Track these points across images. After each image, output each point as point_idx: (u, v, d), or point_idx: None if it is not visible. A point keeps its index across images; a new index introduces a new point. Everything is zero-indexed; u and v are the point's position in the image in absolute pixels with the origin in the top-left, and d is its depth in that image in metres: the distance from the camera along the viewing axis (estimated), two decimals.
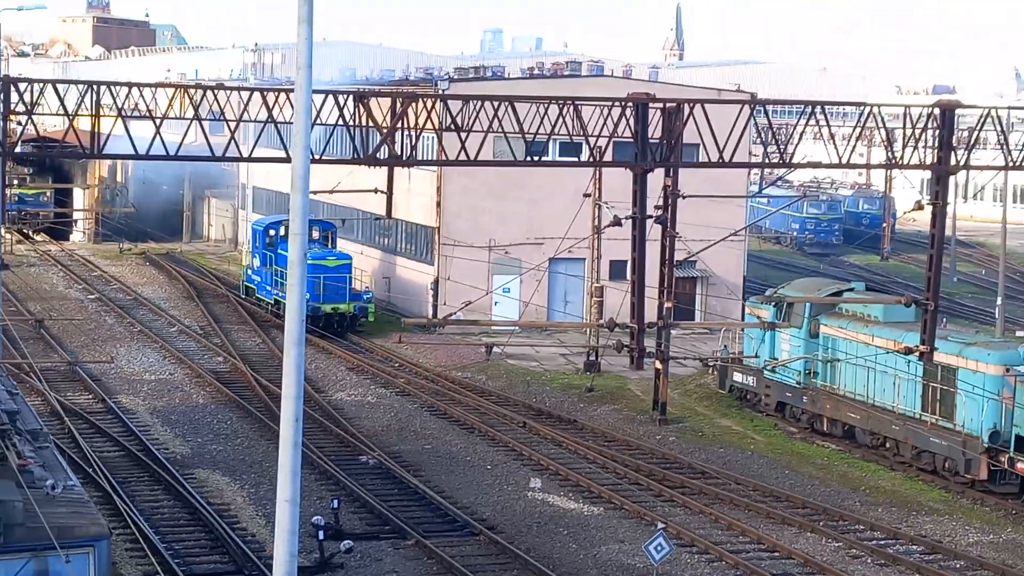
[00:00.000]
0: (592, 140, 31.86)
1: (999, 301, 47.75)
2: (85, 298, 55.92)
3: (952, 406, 32.17)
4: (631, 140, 31.94)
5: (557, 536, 27.66)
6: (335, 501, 27.53)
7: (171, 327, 50.00)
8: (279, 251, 49.62)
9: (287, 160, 26.80)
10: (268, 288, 51.08)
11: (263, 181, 68.11)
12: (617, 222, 36.17)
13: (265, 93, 30.31)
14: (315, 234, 50.66)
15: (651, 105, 31.84)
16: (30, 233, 74.42)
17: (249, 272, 53.90)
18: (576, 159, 40.16)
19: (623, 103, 31.60)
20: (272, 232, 51.63)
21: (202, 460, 32.69)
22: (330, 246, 51.25)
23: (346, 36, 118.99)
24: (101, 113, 29.20)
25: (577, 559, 26.27)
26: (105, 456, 31.92)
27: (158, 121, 29.24)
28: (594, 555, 26.52)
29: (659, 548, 24.88)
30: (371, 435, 35.15)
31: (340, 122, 29.63)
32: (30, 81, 29.94)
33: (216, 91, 31.45)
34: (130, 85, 31.12)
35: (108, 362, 42.42)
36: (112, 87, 29.92)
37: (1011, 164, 33.86)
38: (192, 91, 30.98)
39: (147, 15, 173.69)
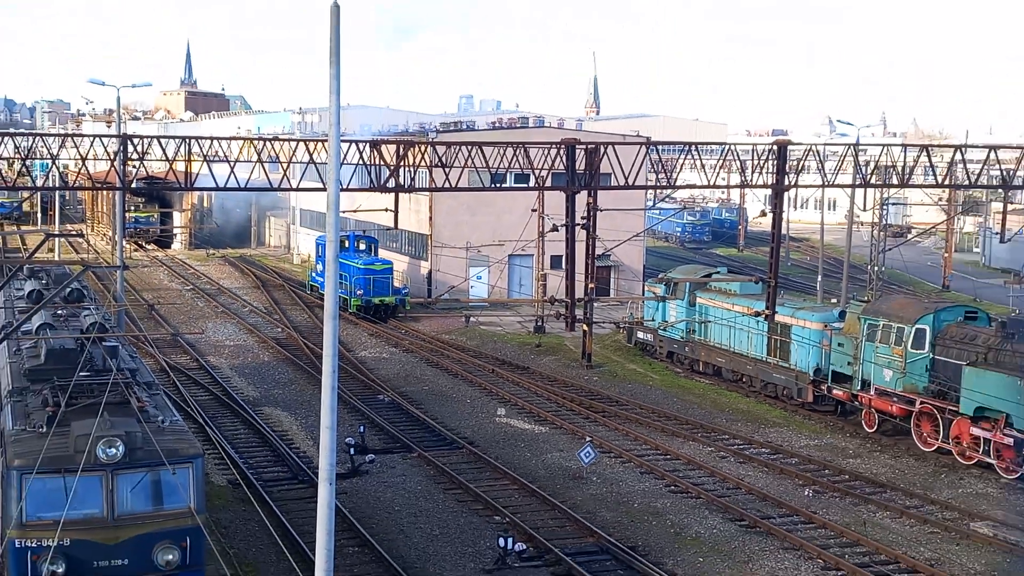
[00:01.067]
0: (537, 172, 31.81)
1: (819, 279, 48.06)
2: (183, 289, 55.40)
3: (788, 351, 32.35)
4: (564, 171, 31.92)
5: (516, 448, 27.66)
6: (361, 427, 27.44)
7: (244, 308, 49.59)
8: (340, 260, 48.13)
9: (324, 189, 26.69)
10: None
11: (307, 204, 67.65)
12: (555, 228, 36.19)
13: (307, 143, 30.11)
14: (362, 245, 48.71)
15: (577, 147, 31.82)
16: (143, 244, 73.67)
17: (314, 274, 51.76)
18: (526, 185, 40.08)
19: (558, 145, 31.57)
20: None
21: (268, 400, 32.49)
22: (373, 255, 48.90)
23: (363, 101, 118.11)
24: (192, 158, 28.93)
25: (531, 464, 26.29)
26: (199, 399, 31.70)
27: (232, 163, 29.01)
28: (542, 460, 26.55)
29: (588, 454, 24.98)
30: (386, 380, 35.01)
31: (360, 162, 29.48)
32: (141, 137, 29.61)
33: (272, 142, 31.21)
34: (212, 139, 30.88)
35: (200, 334, 42.11)
36: (199, 140, 29.64)
37: (826, 183, 34.04)
38: (256, 142, 30.74)
39: (223, 88, 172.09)
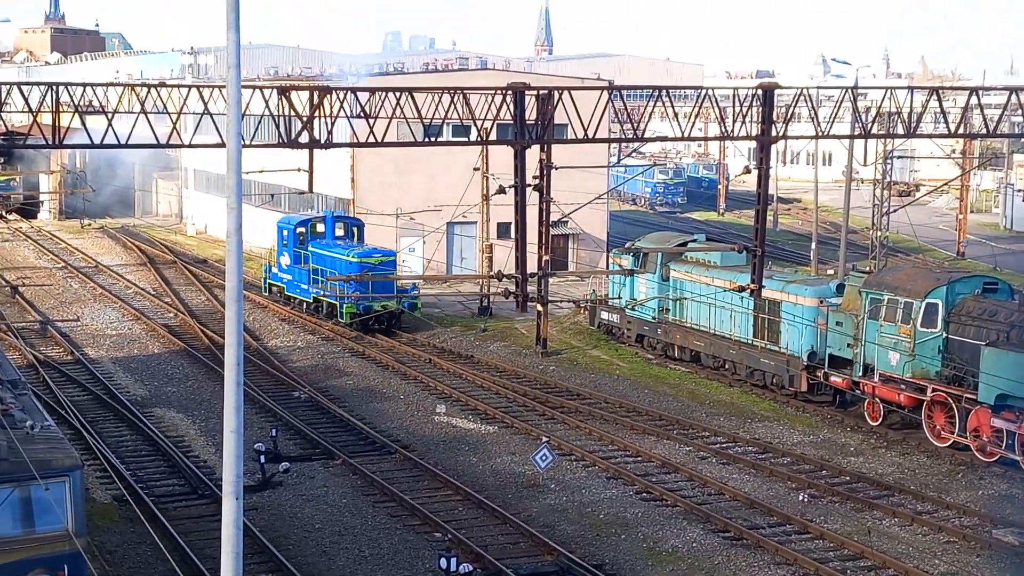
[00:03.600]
0: (479, 123, 31.75)
1: (814, 246, 48.65)
2: (53, 267, 54.61)
3: (777, 332, 32.74)
4: (512, 122, 31.89)
5: (460, 452, 27.75)
6: (273, 430, 27.35)
7: (128, 290, 49.05)
8: (311, 248, 41.86)
9: (222, 145, 26.35)
10: (303, 286, 42.48)
11: (202, 164, 66.95)
12: (502, 190, 36.15)
13: (201, 89, 29.74)
14: (340, 229, 42.73)
15: (527, 92, 31.80)
16: (3, 213, 72.42)
17: (274, 271, 44.88)
18: (466, 139, 40.01)
19: (504, 91, 31.52)
20: (302, 230, 42.89)
21: (159, 400, 32.23)
22: (356, 242, 42.62)
23: (269, 40, 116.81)
24: (60, 109, 28.44)
25: (477, 470, 26.39)
26: (75, 400, 31.33)
27: (110, 115, 28.60)
28: (491, 466, 26.66)
29: (544, 458, 25.12)
30: (302, 374, 34.88)
31: (266, 112, 29.20)
32: None
33: (159, 88, 30.78)
34: (84, 85, 30.37)
35: (75, 321, 41.56)
36: (69, 87, 29.15)
37: (820, 134, 34.39)
38: (138, 89, 30.29)
39: (97, 25, 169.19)
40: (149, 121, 28.58)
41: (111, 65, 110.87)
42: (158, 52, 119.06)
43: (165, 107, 30.28)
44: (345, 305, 39.91)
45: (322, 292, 41.40)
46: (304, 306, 42.87)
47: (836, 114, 33.62)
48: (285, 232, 43.77)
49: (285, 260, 44.19)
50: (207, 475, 25.20)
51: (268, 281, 45.46)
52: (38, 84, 29.44)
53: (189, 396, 32.67)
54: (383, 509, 23.71)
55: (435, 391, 33.28)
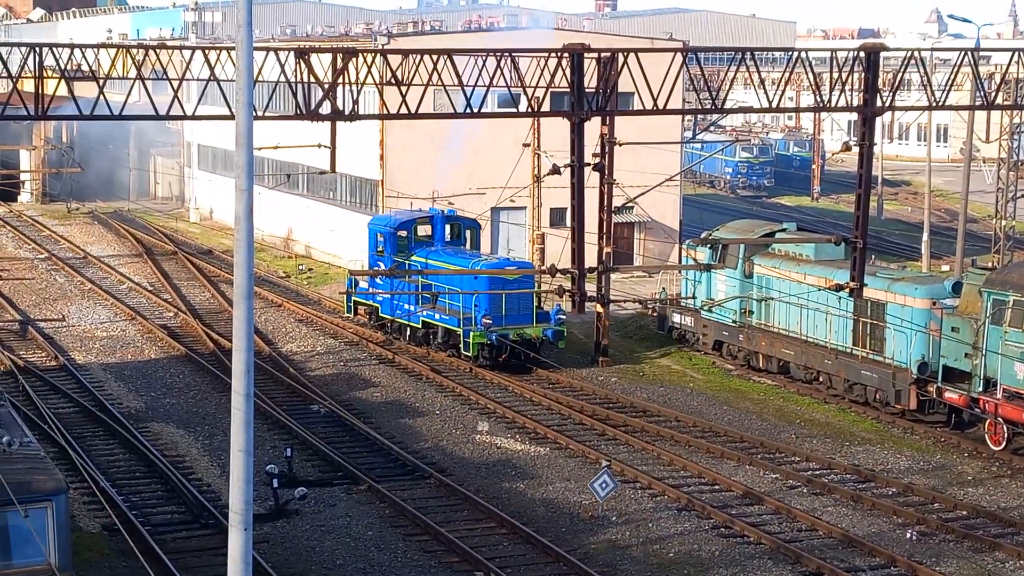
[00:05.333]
0: (530, 91, 31.76)
1: (925, 237, 48.24)
2: (35, 258, 55.30)
3: (882, 340, 32.53)
4: (568, 91, 31.86)
5: (505, 477, 27.79)
6: (288, 449, 27.51)
7: (121, 285, 49.57)
8: (416, 257, 37.90)
9: (230, 117, 26.54)
10: (407, 307, 38.60)
11: (208, 139, 67.47)
12: (556, 170, 36.10)
13: (207, 52, 29.96)
14: (449, 230, 39.53)
15: (586, 55, 31.74)
16: None
17: (362, 285, 40.94)
18: (515, 111, 40.03)
19: (559, 54, 31.50)
20: (403, 233, 39.08)
21: (156, 414, 32.54)
22: (470, 248, 39.64)
23: None
24: (44, 75, 28.74)
25: (525, 498, 26.43)
26: (60, 413, 31.71)
27: (101, 82, 28.86)
28: (541, 494, 26.69)
29: (604, 485, 25.11)
30: (322, 385, 35.10)
31: (282, 79, 29.36)
32: None
33: (158, 50, 31.05)
34: (72, 47, 30.67)
35: (60, 320, 42.04)
36: (54, 49, 29.46)
37: (934, 104, 34.07)
38: (134, 51, 30.58)
39: None
40: (147, 89, 28.81)
41: (103, 23, 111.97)
42: (157, 8, 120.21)
43: (165, 72, 30.53)
44: (472, 334, 35.57)
45: (436, 316, 37.41)
46: (407, 332, 39.02)
47: (953, 81, 33.28)
48: (380, 236, 39.46)
49: (380, 277, 39.33)
50: (211, 501, 25.40)
51: (354, 299, 41.10)
52: (18, 45, 29.77)
53: (191, 409, 32.94)
54: (415, 543, 23.80)
55: (477, 406, 33.35)
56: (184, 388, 35.07)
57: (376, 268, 38.95)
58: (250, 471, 11.83)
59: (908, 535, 24.36)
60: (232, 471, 11.81)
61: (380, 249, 39.25)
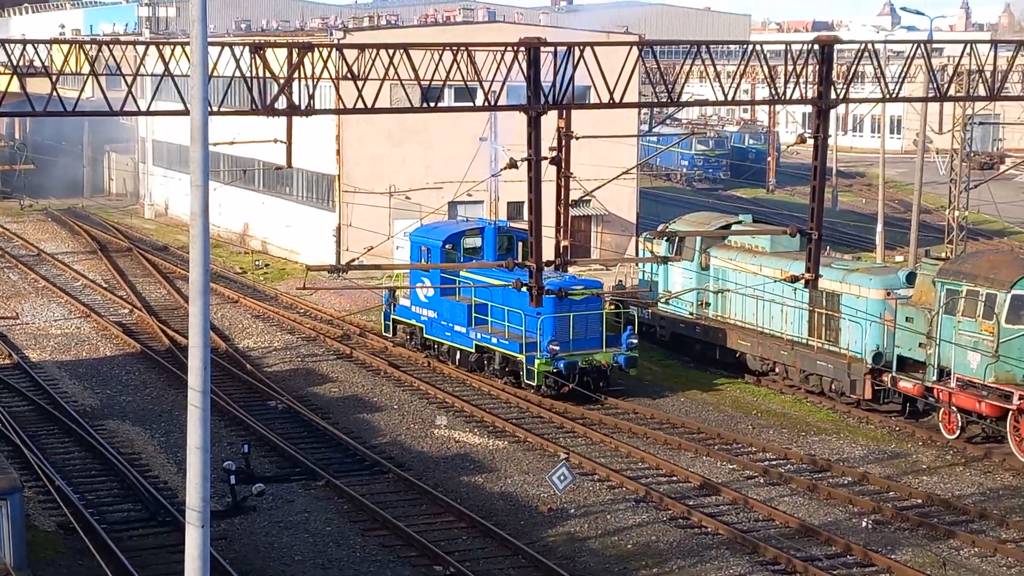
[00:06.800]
0: (487, 85, 31.74)
1: (879, 228, 48.59)
2: None
3: (837, 330, 32.75)
4: (524, 84, 31.88)
5: (464, 470, 27.82)
6: (245, 446, 27.43)
7: (76, 282, 49.25)
8: (468, 272, 34.53)
9: (185, 113, 26.40)
10: (458, 329, 34.96)
11: (163, 135, 67.10)
12: (513, 164, 36.11)
13: (161, 47, 29.79)
14: (497, 247, 35.16)
15: (543, 49, 31.77)
16: None
17: (402, 303, 37.92)
18: (471, 104, 40.02)
19: (515, 48, 31.51)
20: (450, 246, 35.58)
21: (112, 411, 32.37)
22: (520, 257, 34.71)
23: None
24: None
25: (483, 492, 26.46)
26: (14, 411, 31.47)
27: (54, 77, 28.64)
28: (500, 487, 26.73)
29: (562, 477, 25.15)
30: (279, 380, 35.00)
31: (237, 74, 29.23)
32: None
33: (112, 46, 30.84)
34: (24, 42, 30.40)
35: (14, 319, 41.72)
36: (6, 45, 29.22)
37: (887, 96, 34.29)
38: (87, 47, 30.36)
39: None
40: (100, 84, 28.62)
41: (55, 19, 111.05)
42: (110, 3, 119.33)
43: (119, 68, 30.33)
44: (537, 361, 32.22)
45: (493, 339, 33.94)
46: (457, 356, 35.56)
47: (907, 73, 33.51)
48: (425, 249, 36.17)
49: (425, 290, 36.46)
50: (168, 499, 25.29)
51: (392, 317, 38.03)
52: None
53: (147, 406, 32.78)
54: (374, 538, 23.78)
55: (434, 400, 33.34)
56: (140, 385, 34.89)
57: (418, 287, 36.65)
58: (207, 468, 11.81)
59: (863, 524, 24.55)
60: (189, 468, 11.79)
61: (420, 259, 36.21)
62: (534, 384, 32.48)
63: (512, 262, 27.31)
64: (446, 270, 35.23)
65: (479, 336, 34.24)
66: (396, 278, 39.11)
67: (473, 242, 36.06)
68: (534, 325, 32.29)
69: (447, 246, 35.57)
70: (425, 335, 36.46)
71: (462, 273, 34.84)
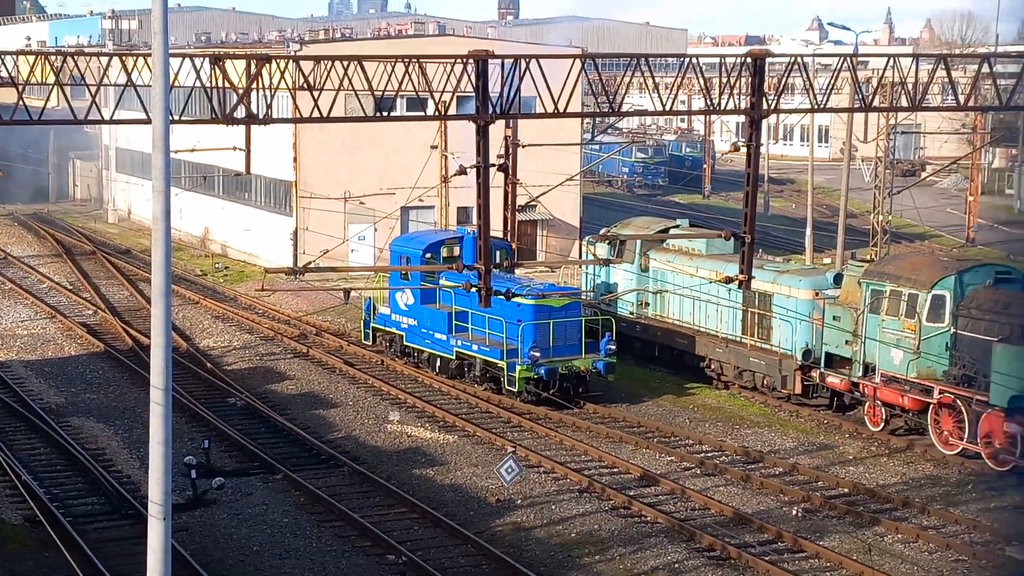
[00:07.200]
0: (437, 95, 31.68)
1: (808, 232, 48.93)
2: None
3: (769, 329, 32.94)
4: (473, 94, 31.85)
5: (415, 464, 27.77)
6: (206, 441, 27.27)
7: (41, 284, 48.71)
8: (446, 282, 32.96)
9: (148, 121, 26.17)
10: (438, 336, 34.06)
11: (126, 143, 66.52)
12: (462, 171, 36.06)
13: (124, 58, 29.54)
14: (455, 252, 34.11)
15: (491, 61, 31.76)
16: None
17: (382, 311, 36.52)
18: (423, 114, 39.98)
19: (464, 60, 31.48)
20: (430, 255, 34.42)
21: (76, 408, 32.05)
22: (506, 272, 33.44)
23: (200, 2, 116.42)
24: None
25: (434, 484, 26.42)
26: None
27: (20, 88, 28.33)
28: (450, 480, 26.70)
29: (510, 470, 25.19)
30: (238, 378, 34.79)
31: (198, 84, 29.02)
32: None
33: (76, 57, 30.55)
34: None
35: None
36: None
37: (816, 107, 34.53)
38: (52, 58, 30.05)
39: None
40: (65, 94, 28.36)
41: (21, 31, 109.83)
42: (75, 16, 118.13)
43: (83, 78, 30.05)
44: (518, 368, 31.39)
45: (474, 347, 33.07)
46: (437, 363, 34.64)
47: (834, 85, 33.77)
48: (404, 259, 35.13)
49: (405, 298, 35.34)
50: (131, 492, 25.09)
51: (372, 325, 36.84)
52: None
53: (110, 404, 32.49)
54: (329, 529, 23.69)
55: (388, 396, 33.26)
56: (104, 383, 34.57)
57: (398, 295, 35.42)
58: (169, 463, 11.72)
59: (794, 512, 24.71)
60: (151, 463, 11.69)
61: (404, 273, 34.91)
62: (515, 390, 31.71)
63: (461, 264, 27.26)
64: (430, 278, 34.22)
65: (460, 343, 33.32)
66: (377, 281, 37.99)
67: (453, 251, 34.97)
68: (515, 332, 31.58)
69: (427, 255, 34.56)
70: (405, 343, 35.47)
71: (442, 283, 33.74)
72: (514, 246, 36.73)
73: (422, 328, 34.67)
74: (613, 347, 32.56)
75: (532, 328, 31.50)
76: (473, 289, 25.91)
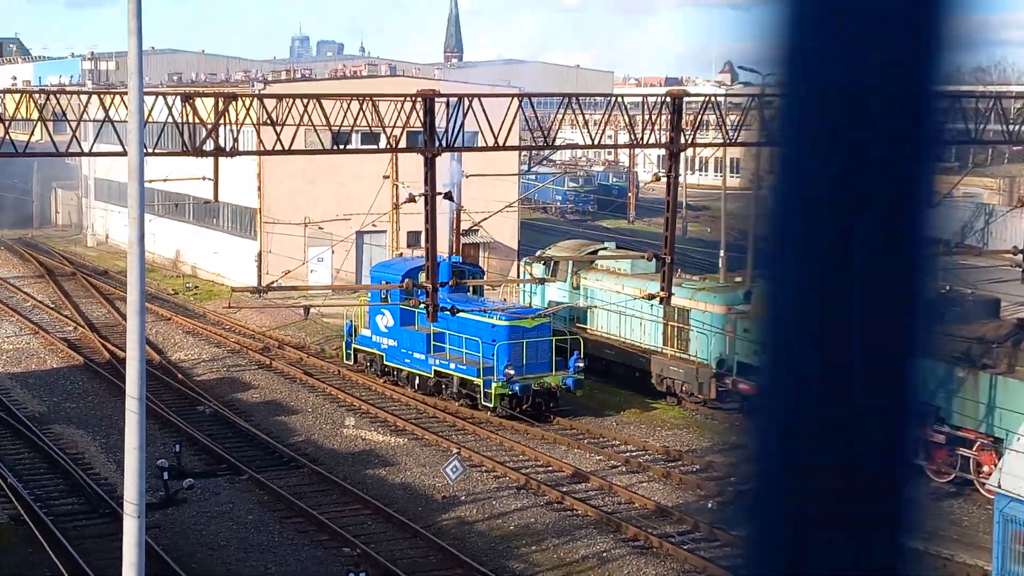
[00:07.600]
0: (389, 130, 31.68)
1: (722, 254, 49.33)
2: None
3: (687, 340, 33.13)
4: (421, 130, 31.88)
5: (369, 465, 27.64)
6: (177, 445, 27.00)
7: (25, 302, 48.00)
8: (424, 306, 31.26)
9: (124, 154, 25.96)
10: (417, 356, 33.07)
11: (104, 173, 65.80)
12: (412, 199, 36.06)
13: (102, 96, 29.28)
14: (451, 281, 31.40)
15: (437, 99, 31.81)
16: None
17: (363, 332, 35.41)
18: (376, 147, 39.88)
19: (413, 98, 31.50)
20: (408, 281, 32.07)
21: (58, 416, 31.60)
22: (478, 296, 34.67)
23: (172, 45, 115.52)
24: None
25: (386, 483, 26.32)
26: None
27: (6, 123, 28.01)
28: (400, 479, 26.61)
29: (454, 470, 25.13)
30: (207, 388, 34.46)
31: (170, 119, 28.83)
32: None
33: (58, 95, 30.24)
34: None
35: None
36: None
37: (728, 141, 34.92)
38: (36, 96, 29.74)
39: None
40: (48, 129, 28.06)
41: (8, 72, 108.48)
42: (57, 58, 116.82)
43: (64, 114, 29.77)
44: (494, 385, 30.65)
45: (451, 365, 32.20)
46: (416, 381, 33.54)
47: (744, 121, 34.14)
48: (384, 283, 33.88)
49: (386, 320, 34.24)
50: (108, 493, 24.77)
51: (354, 346, 35.61)
52: None
53: (89, 412, 32.08)
54: (290, 525, 23.52)
55: (344, 403, 33.08)
56: (83, 393, 34.11)
57: (378, 317, 34.46)
58: (143, 466, 11.61)
59: (709, 505, 24.85)
60: (127, 466, 11.57)
61: (384, 296, 34.02)
62: (491, 406, 30.87)
63: (411, 282, 27.19)
64: (403, 303, 33.17)
65: (438, 363, 32.47)
66: (359, 302, 36.67)
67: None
68: (491, 351, 30.82)
69: (407, 281, 32.45)
70: (386, 362, 34.43)
71: (420, 306, 31.23)
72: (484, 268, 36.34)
73: (402, 348, 33.74)
74: (582, 364, 31.77)
75: (507, 347, 30.82)
76: (421, 306, 25.84)
